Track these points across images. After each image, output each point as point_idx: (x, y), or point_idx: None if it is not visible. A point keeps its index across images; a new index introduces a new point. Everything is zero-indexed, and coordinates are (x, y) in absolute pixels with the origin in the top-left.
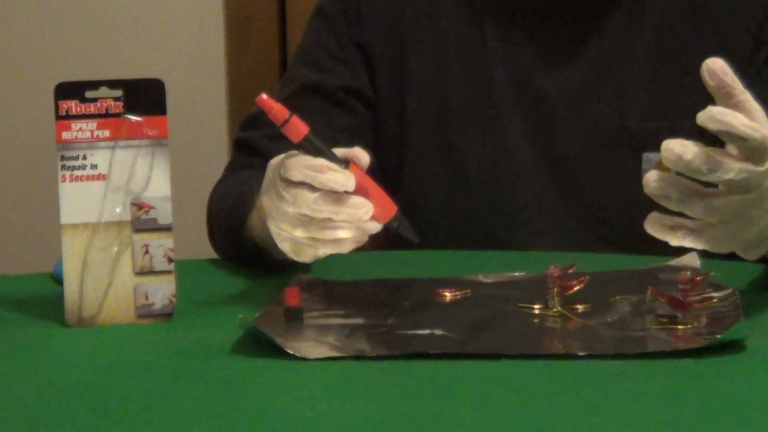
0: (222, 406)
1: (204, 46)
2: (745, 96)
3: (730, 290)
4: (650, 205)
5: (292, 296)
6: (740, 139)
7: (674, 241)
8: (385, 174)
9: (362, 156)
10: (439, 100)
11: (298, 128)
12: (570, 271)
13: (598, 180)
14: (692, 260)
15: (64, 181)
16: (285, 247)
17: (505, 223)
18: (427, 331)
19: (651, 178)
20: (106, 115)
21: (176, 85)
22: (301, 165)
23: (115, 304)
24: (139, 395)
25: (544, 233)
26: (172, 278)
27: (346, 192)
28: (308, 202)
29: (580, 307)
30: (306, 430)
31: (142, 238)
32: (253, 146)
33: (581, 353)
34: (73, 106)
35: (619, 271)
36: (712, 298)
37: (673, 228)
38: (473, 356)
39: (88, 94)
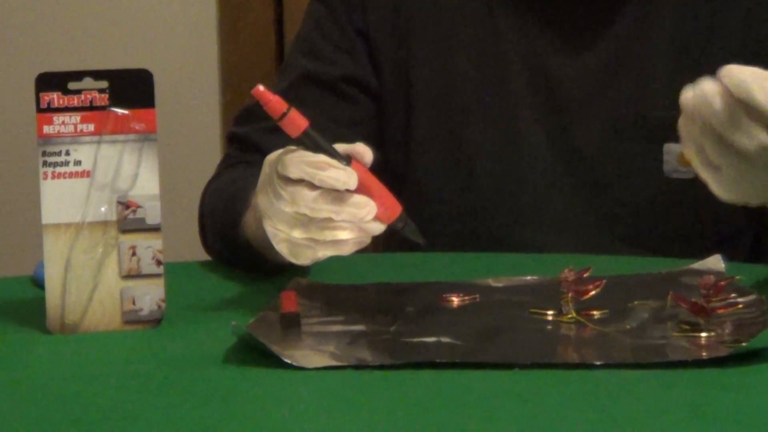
0: (214, 419)
1: (195, 33)
2: None
3: (756, 295)
4: (672, 201)
5: (289, 301)
6: (758, 112)
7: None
8: (389, 170)
9: (365, 152)
10: (447, 91)
11: (296, 122)
12: (585, 275)
13: (616, 174)
14: (716, 263)
15: (45, 178)
16: (282, 248)
17: (517, 222)
18: (433, 339)
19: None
20: (91, 107)
21: (165, 76)
22: (300, 161)
23: (100, 309)
24: (126, 407)
25: (558, 232)
26: (160, 282)
27: (347, 190)
28: (307, 201)
29: (596, 313)
30: None
31: (128, 239)
32: (249, 141)
33: (597, 362)
34: (55, 98)
35: (638, 274)
36: (737, 303)
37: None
38: (482, 366)
39: (71, 85)
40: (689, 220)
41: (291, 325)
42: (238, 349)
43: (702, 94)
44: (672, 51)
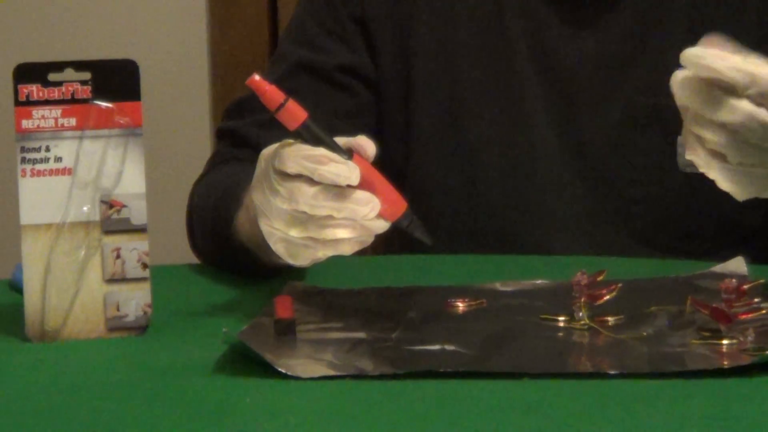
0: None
1: (184, 21)
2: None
3: None
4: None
5: (284, 306)
6: (729, 84)
7: (700, 164)
8: (389, 164)
9: (367, 145)
10: (450, 81)
11: (295, 113)
12: (599, 279)
13: (630, 168)
14: (738, 265)
15: (24, 175)
16: (279, 248)
17: (525, 219)
18: (437, 347)
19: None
20: (72, 100)
21: (152, 67)
22: (298, 155)
23: (83, 315)
24: (110, 420)
25: (568, 229)
26: (147, 286)
27: (348, 186)
28: (306, 198)
29: (610, 320)
30: None
31: (112, 241)
32: (241, 136)
33: (612, 372)
34: (34, 90)
35: (655, 278)
36: (760, 309)
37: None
38: (489, 375)
39: (52, 76)
40: (708, 217)
41: (286, 332)
42: (229, 357)
43: (675, 85)
44: (689, 33)
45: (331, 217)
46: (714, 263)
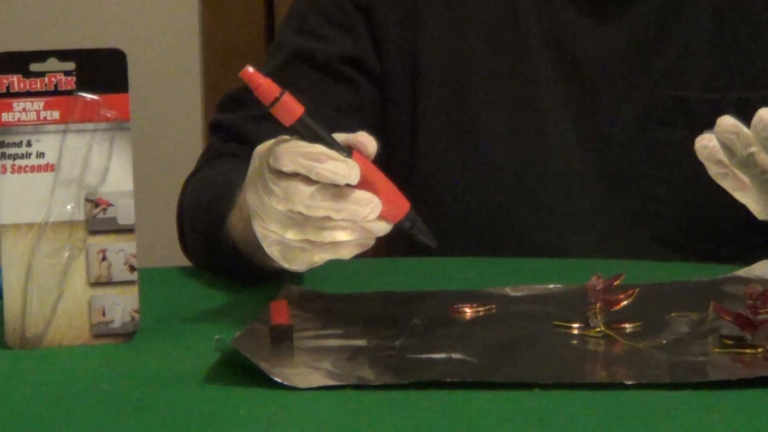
0: None
1: (174, 9)
2: None
3: None
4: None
5: (280, 312)
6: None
7: (720, 180)
8: (393, 162)
9: (368, 142)
10: (460, 72)
11: (291, 108)
12: (616, 283)
13: (651, 165)
14: (764, 270)
15: (4, 172)
16: (273, 252)
17: (539, 220)
18: (443, 355)
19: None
20: (56, 92)
21: (140, 57)
22: (295, 153)
23: (66, 321)
24: (96, 431)
25: (585, 231)
26: (134, 290)
27: (348, 185)
28: (303, 198)
29: (627, 327)
30: None
31: (98, 242)
32: (235, 130)
33: (629, 382)
34: (15, 81)
35: (676, 282)
36: None
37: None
38: (499, 386)
39: (34, 66)
40: (735, 218)
41: (282, 339)
42: (222, 366)
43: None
44: (714, 23)
45: (329, 218)
46: (738, 267)
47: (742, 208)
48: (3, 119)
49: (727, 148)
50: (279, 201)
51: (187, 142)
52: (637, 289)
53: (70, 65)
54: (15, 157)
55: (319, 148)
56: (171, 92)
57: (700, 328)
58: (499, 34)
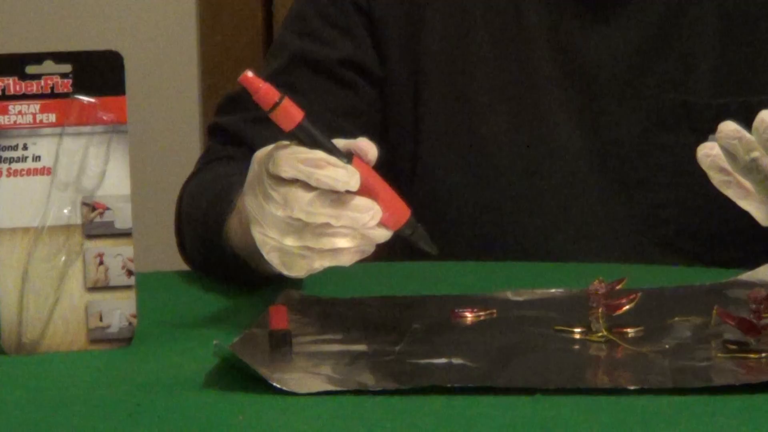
0: None
1: (171, 10)
2: None
3: None
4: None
5: (279, 317)
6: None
7: (723, 189)
8: (395, 168)
9: (369, 148)
10: (462, 76)
11: (290, 113)
12: (618, 287)
13: (656, 170)
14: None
15: (0, 176)
16: (272, 258)
17: (543, 224)
18: (443, 361)
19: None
20: (52, 95)
21: (137, 59)
22: (294, 158)
23: (63, 326)
24: None
25: (590, 237)
26: (131, 295)
27: (348, 192)
28: (302, 204)
29: (630, 331)
30: None
31: (95, 246)
32: (234, 133)
33: (632, 387)
34: (11, 84)
35: (679, 287)
36: None
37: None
38: (500, 391)
39: (30, 69)
40: (738, 223)
41: (281, 344)
42: (220, 371)
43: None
44: (721, 27)
45: (328, 224)
46: (742, 271)
47: (747, 214)
48: None
49: (730, 155)
50: (278, 207)
51: (184, 144)
52: (639, 294)
53: (67, 68)
54: (11, 160)
55: (318, 154)
56: (168, 95)
57: (703, 332)
58: (503, 38)
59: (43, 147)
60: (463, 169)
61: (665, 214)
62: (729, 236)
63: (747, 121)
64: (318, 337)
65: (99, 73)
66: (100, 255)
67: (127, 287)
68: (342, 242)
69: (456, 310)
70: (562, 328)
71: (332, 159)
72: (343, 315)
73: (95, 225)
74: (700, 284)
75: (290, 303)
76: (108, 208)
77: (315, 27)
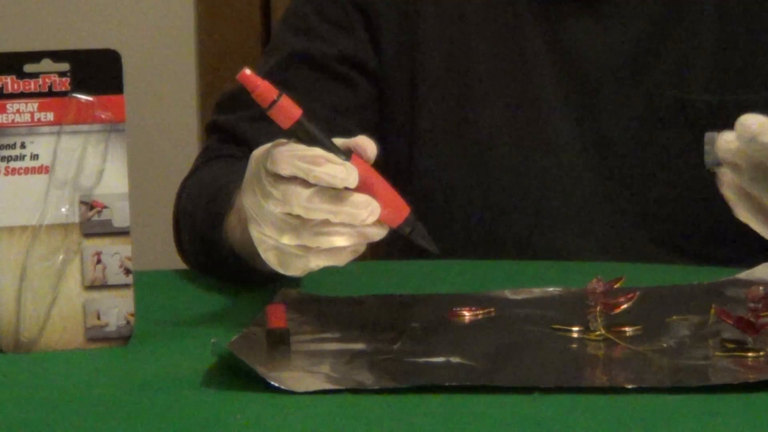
0: None
1: (169, 9)
2: None
3: None
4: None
5: (277, 315)
6: None
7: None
8: (391, 163)
9: (367, 145)
10: (458, 73)
11: (288, 111)
12: (616, 286)
13: (653, 167)
14: (766, 273)
15: None
16: (269, 257)
17: (539, 222)
18: (441, 359)
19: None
20: (50, 93)
21: (135, 58)
22: (293, 156)
23: (60, 325)
24: None
25: (587, 233)
26: (129, 293)
27: (346, 189)
28: (300, 200)
29: (628, 330)
30: None
31: (93, 245)
32: (232, 131)
33: (630, 386)
34: (9, 82)
35: (676, 285)
36: None
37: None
38: (498, 390)
39: (28, 67)
40: (734, 220)
41: (279, 342)
42: (218, 370)
43: (749, 135)
44: (718, 24)
45: (326, 222)
46: (740, 270)
47: None
48: None
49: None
50: (277, 204)
51: (182, 143)
52: (637, 293)
53: (65, 66)
54: (9, 159)
55: (317, 151)
56: (166, 93)
57: (701, 331)
58: (499, 35)
59: (41, 145)
60: (460, 165)
61: (661, 210)
62: (724, 233)
63: None
64: (316, 336)
65: (97, 72)
66: (98, 253)
67: (125, 286)
68: (339, 241)
69: (454, 309)
70: (560, 327)
71: (331, 156)
72: (342, 314)
73: (93, 223)
74: (698, 283)
75: (288, 301)
76: (106, 207)
77: (313, 24)
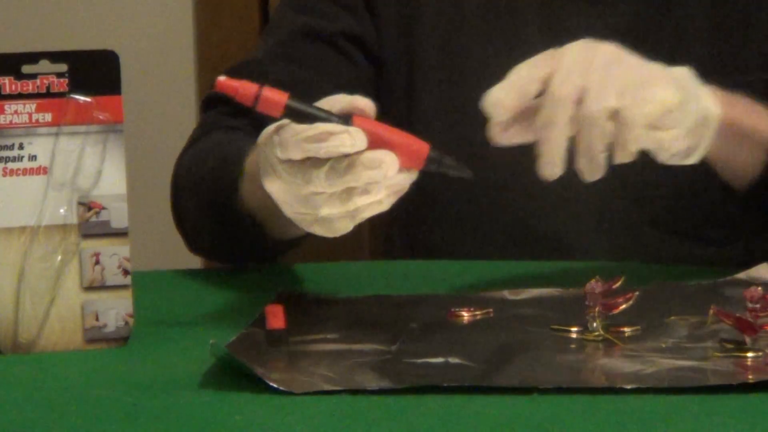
0: None
1: (167, 10)
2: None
3: None
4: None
5: (276, 316)
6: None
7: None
8: None
9: (365, 105)
10: (456, 53)
11: (274, 99)
12: (615, 286)
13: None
14: (764, 272)
15: None
16: (315, 230)
17: (536, 206)
18: (440, 360)
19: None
20: (48, 94)
21: (133, 58)
22: (298, 139)
23: (59, 326)
24: None
25: (582, 217)
26: (128, 294)
27: (359, 152)
28: (321, 179)
29: (627, 330)
30: None
31: (91, 246)
32: (232, 102)
33: (628, 387)
34: (7, 83)
35: (675, 285)
36: None
37: None
38: (497, 390)
39: (26, 68)
40: (727, 202)
41: (278, 343)
42: (217, 371)
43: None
44: (710, 6)
45: (353, 187)
46: (738, 270)
47: (736, 195)
48: None
49: None
50: (300, 187)
51: (181, 144)
52: (636, 293)
53: (63, 67)
54: (7, 159)
55: (319, 128)
56: (165, 94)
57: (699, 331)
58: (495, 20)
59: (39, 146)
60: (456, 148)
61: (657, 193)
62: (717, 215)
63: None
64: (315, 337)
65: (95, 73)
66: (96, 254)
67: (124, 287)
68: (373, 196)
69: (453, 310)
70: (559, 327)
71: (332, 127)
72: (340, 314)
73: (91, 224)
74: (696, 283)
75: (287, 302)
76: (104, 208)
77: (315, 3)
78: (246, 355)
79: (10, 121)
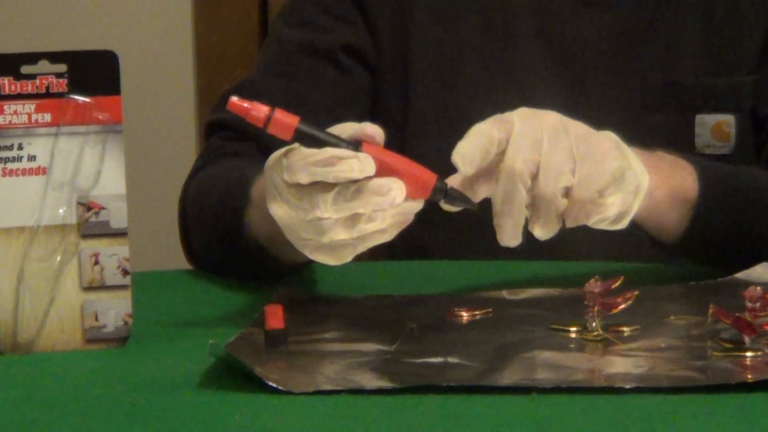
0: None
1: (166, 11)
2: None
3: None
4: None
5: (275, 316)
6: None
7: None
8: None
9: (375, 132)
10: (450, 62)
11: (285, 122)
12: (614, 286)
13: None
14: (763, 272)
15: None
16: (318, 257)
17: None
18: (439, 360)
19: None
20: (47, 95)
21: (133, 58)
22: (307, 163)
23: (58, 326)
24: None
25: None
26: (127, 294)
27: (367, 178)
28: (327, 204)
29: (626, 330)
30: None
31: (90, 246)
32: (238, 128)
33: (628, 386)
34: (6, 83)
35: (675, 285)
36: None
37: None
38: (496, 390)
39: (25, 69)
40: (663, 254)
41: (277, 343)
42: (217, 371)
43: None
44: (702, 6)
45: (359, 214)
46: (738, 270)
47: (665, 248)
48: None
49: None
50: (306, 212)
51: (180, 144)
52: (635, 293)
53: (62, 67)
54: (6, 160)
55: (328, 152)
56: (164, 94)
57: (698, 331)
58: (490, 23)
59: (39, 147)
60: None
61: None
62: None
63: (732, 100)
64: (314, 337)
65: (94, 73)
66: (96, 255)
67: (123, 287)
68: (378, 224)
69: (452, 309)
70: (559, 327)
71: (341, 152)
72: (340, 314)
73: (91, 225)
74: (695, 283)
75: (286, 302)
76: (103, 208)
77: (312, 17)
78: (245, 355)
79: (10, 122)
